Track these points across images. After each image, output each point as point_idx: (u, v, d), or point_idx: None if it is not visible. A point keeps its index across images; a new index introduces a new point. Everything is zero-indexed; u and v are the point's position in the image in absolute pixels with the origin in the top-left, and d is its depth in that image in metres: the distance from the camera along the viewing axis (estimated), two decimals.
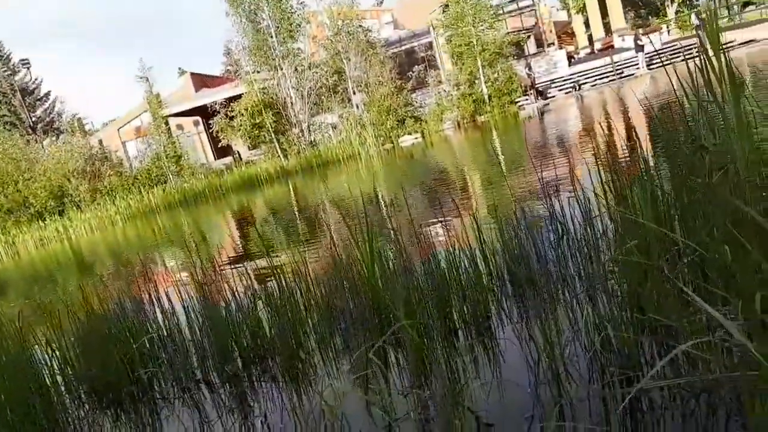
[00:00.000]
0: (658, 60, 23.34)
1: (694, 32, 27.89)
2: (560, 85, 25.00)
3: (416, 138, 22.94)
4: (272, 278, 3.65)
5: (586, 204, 2.93)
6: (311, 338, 2.66)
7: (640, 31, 27.65)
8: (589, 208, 2.91)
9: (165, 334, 3.07)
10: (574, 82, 24.58)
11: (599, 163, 2.87)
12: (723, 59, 2.28)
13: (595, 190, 2.55)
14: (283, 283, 3.05)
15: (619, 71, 24.10)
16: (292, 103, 24.88)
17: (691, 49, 22.81)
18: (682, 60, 2.50)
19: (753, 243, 1.25)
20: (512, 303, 2.44)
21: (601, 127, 10.09)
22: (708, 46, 2.39)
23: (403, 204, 7.01)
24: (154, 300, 3.34)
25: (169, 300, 3.31)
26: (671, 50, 23.45)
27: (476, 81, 23.86)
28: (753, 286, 1.09)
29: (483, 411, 1.68)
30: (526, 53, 28.57)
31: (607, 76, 24.24)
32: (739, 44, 23.26)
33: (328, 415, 1.75)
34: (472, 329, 2.31)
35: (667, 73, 2.32)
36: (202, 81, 34.96)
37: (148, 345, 3.01)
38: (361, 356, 2.13)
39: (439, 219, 5.04)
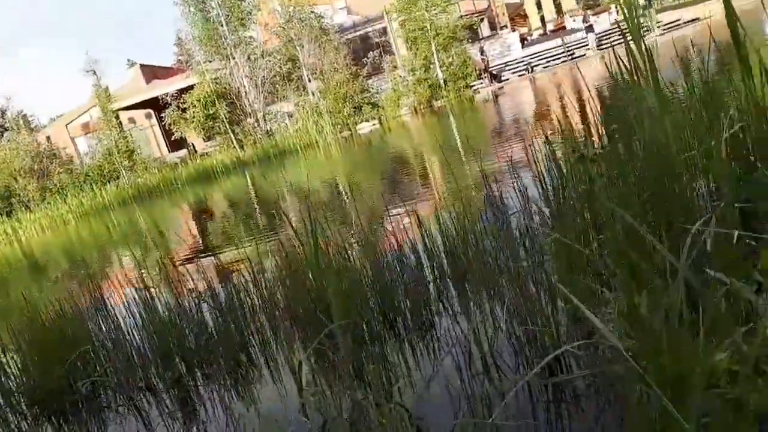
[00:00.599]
0: (608, 41, 23.79)
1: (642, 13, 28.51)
2: (514, 68, 25.27)
3: (374, 125, 22.91)
4: (221, 278, 3.63)
5: (525, 193, 3.00)
6: (255, 339, 2.66)
7: (590, 12, 28.11)
8: (527, 197, 2.98)
9: (109, 340, 3.02)
10: (527, 64, 24.88)
11: (537, 155, 2.94)
12: (642, 44, 2.35)
13: (524, 185, 2.60)
14: (231, 284, 3.04)
15: (570, 53, 24.50)
16: (246, 92, 24.51)
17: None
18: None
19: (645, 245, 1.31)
20: (452, 296, 2.48)
21: (544, 113, 10.28)
22: (628, 32, 2.46)
23: (355, 196, 7.04)
24: (100, 306, 3.28)
25: (113, 305, 3.25)
26: (619, 31, 23.85)
27: (431, 66, 23.92)
28: (631, 285, 1.15)
29: (415, 407, 1.72)
30: (480, 36, 28.74)
31: (559, 58, 24.61)
32: (685, 22, 23.89)
33: (263, 418, 1.76)
34: (411, 324, 2.35)
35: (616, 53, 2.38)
36: (152, 72, 34.03)
37: (92, 353, 2.96)
38: (301, 356, 2.15)
39: (389, 211, 5.07)
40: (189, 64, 25.83)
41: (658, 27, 23.60)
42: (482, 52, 25.10)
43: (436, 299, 2.45)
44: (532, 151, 2.82)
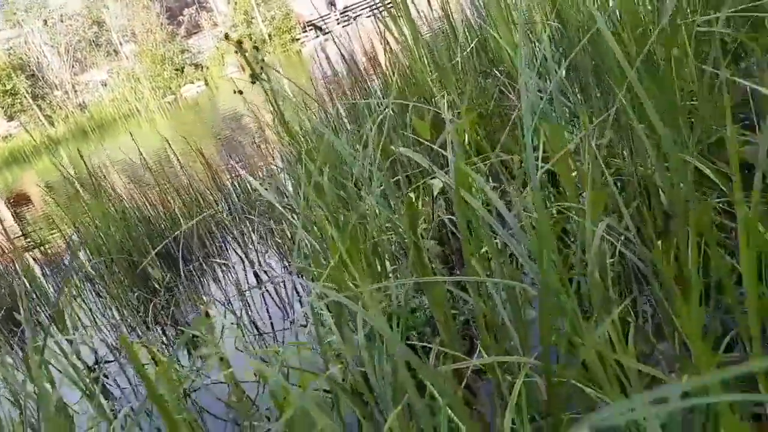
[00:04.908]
0: None
1: None
2: (338, 18, 25.35)
3: (200, 86, 21.89)
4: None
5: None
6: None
7: None
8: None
9: None
10: (350, 13, 25.06)
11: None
12: None
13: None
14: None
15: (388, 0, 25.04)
16: (48, 62, 22.03)
17: None
18: None
19: None
20: (237, 229, 2.60)
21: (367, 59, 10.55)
22: None
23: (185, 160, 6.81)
24: None
25: None
26: None
27: (253, 20, 23.22)
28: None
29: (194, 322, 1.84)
30: None
31: (380, 6, 25.08)
32: None
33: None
34: (200, 256, 2.45)
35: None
36: None
37: None
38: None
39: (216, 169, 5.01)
40: None
41: None
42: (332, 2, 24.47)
43: (225, 232, 2.56)
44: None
